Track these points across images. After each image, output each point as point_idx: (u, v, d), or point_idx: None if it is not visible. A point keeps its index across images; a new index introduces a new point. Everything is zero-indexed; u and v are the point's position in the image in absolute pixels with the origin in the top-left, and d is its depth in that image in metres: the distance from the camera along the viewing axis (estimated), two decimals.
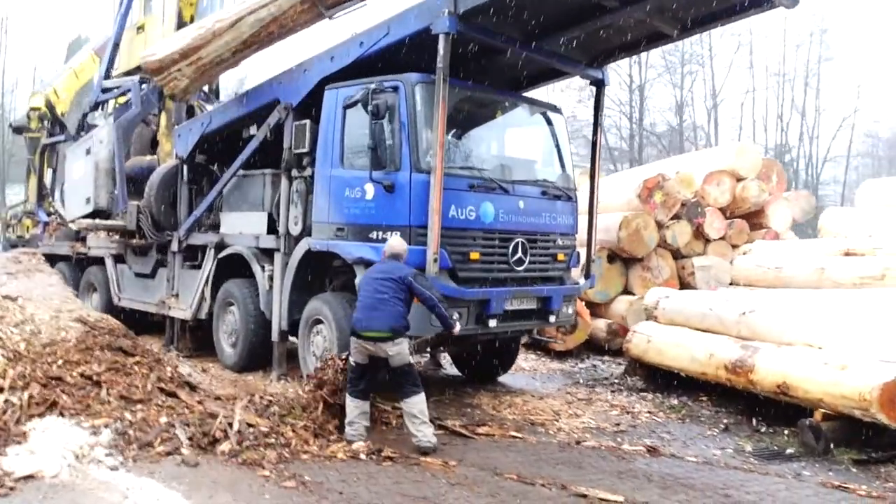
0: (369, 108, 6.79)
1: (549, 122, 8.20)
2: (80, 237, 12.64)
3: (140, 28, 12.95)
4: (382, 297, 5.72)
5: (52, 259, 12.37)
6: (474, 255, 6.99)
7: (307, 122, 7.89)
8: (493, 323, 7.05)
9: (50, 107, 14.65)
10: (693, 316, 8.26)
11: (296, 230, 7.97)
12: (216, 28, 8.08)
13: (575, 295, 8.18)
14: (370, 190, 7.03)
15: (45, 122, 14.76)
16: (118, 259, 11.25)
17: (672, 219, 11.34)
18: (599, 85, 8.38)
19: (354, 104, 7.03)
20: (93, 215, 11.92)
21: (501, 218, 7.21)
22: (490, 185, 7.15)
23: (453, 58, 6.68)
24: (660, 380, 8.38)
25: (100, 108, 13.60)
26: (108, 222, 10.76)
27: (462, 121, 7.56)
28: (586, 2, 6.70)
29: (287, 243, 8.08)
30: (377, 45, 7.25)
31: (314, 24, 8.17)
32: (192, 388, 6.27)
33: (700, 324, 8.14)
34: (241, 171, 8.97)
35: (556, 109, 8.34)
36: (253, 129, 8.96)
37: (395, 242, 6.23)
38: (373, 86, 6.89)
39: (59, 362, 5.67)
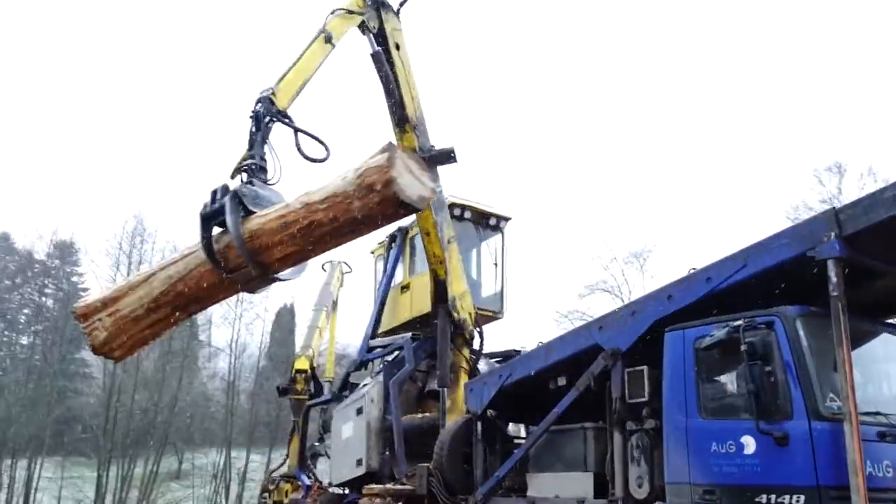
0: (742, 348, 5.98)
1: None
2: (347, 502, 12.18)
3: (405, 287, 13.35)
4: None
5: None
6: None
7: (644, 368, 7.16)
8: None
9: (312, 367, 15.13)
10: None
11: (640, 493, 6.91)
12: (133, 280, 7.18)
13: None
14: (750, 443, 5.98)
15: (309, 384, 15.17)
16: None
17: None
18: None
19: (717, 345, 6.27)
20: (364, 478, 11.54)
21: None
22: None
23: (809, 285, 5.96)
24: None
25: (364, 367, 13.82)
26: (398, 487, 10.18)
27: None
28: None
29: None
30: (730, 279, 6.60)
31: (225, 296, 7.16)
32: None
33: None
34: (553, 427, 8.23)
35: None
36: (561, 380, 8.36)
37: None
38: (740, 323, 6.14)
39: None
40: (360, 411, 12.19)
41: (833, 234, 5.83)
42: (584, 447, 7.87)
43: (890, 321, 7.42)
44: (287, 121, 7.96)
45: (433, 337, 11.85)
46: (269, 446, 38.76)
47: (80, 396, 47.56)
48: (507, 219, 13.20)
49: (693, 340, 6.64)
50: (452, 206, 12.56)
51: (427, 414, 11.88)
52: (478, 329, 11.55)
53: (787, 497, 5.67)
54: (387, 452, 11.63)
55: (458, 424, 9.78)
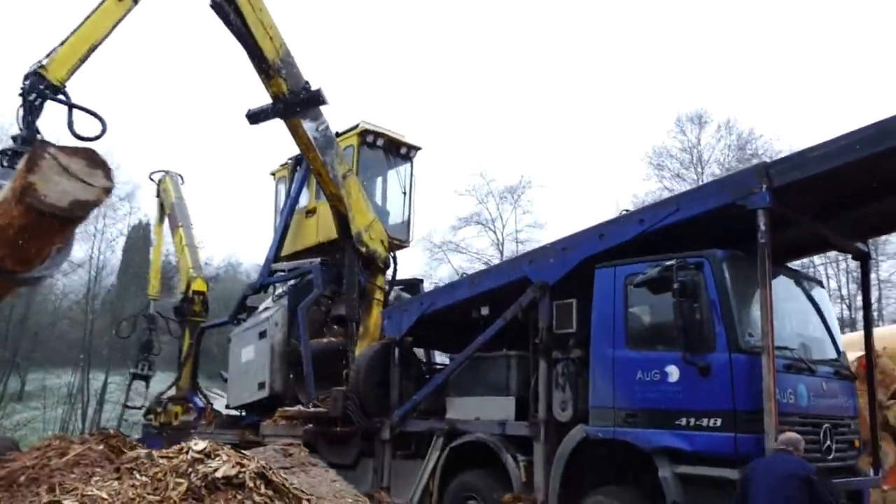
0: (674, 286, 6.48)
1: (816, 297, 7.81)
2: (245, 424, 12.13)
3: (311, 212, 13.14)
4: (794, 500, 5.07)
5: None
6: None
7: (573, 301, 7.57)
8: None
9: (207, 290, 14.75)
10: None
11: (564, 416, 7.41)
12: None
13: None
14: (674, 372, 6.57)
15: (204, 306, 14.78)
16: None
17: (891, 398, 10.57)
18: (865, 258, 8.08)
19: (649, 282, 6.74)
20: (265, 402, 11.55)
21: (812, 401, 6.68)
22: (800, 366, 6.67)
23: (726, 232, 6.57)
24: None
25: (263, 290, 13.59)
26: (311, 410, 10.24)
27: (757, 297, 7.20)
28: None
29: (549, 431, 7.50)
30: (661, 222, 7.07)
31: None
32: None
33: None
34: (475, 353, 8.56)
35: (820, 284, 8.01)
36: (484, 310, 8.68)
37: (794, 436, 5.61)
38: (672, 263, 6.62)
39: None
40: (263, 335, 12.06)
41: (764, 186, 6.36)
42: (507, 373, 8.27)
43: (790, 266, 8.25)
44: (60, 97, 7.17)
45: (342, 262, 11.79)
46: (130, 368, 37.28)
47: None
48: (417, 148, 13.18)
49: (624, 277, 7.10)
50: (365, 132, 12.41)
51: (332, 339, 11.93)
52: (392, 254, 11.58)
53: (706, 419, 6.30)
54: (291, 376, 11.65)
55: (374, 349, 9.93)
